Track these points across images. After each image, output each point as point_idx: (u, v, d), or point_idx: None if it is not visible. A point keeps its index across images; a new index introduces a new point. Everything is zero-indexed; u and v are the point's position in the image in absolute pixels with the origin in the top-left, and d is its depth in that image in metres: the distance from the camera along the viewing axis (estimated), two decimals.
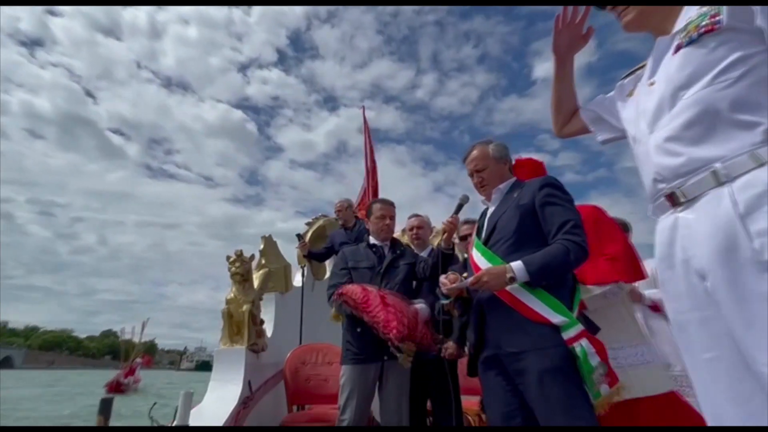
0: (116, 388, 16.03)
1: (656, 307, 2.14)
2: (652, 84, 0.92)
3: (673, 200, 0.85)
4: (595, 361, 1.21)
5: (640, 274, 1.69)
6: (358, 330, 1.89)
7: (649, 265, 1.74)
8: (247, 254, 2.46)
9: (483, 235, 1.52)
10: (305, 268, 3.14)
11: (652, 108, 0.90)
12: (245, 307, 2.17)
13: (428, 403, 2.23)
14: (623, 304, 1.72)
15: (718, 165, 0.77)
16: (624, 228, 2.17)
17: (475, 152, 1.57)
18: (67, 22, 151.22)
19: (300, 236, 3.17)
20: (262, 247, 2.84)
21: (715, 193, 0.77)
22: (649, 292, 2.12)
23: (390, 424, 1.87)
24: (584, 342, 1.24)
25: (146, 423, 1.63)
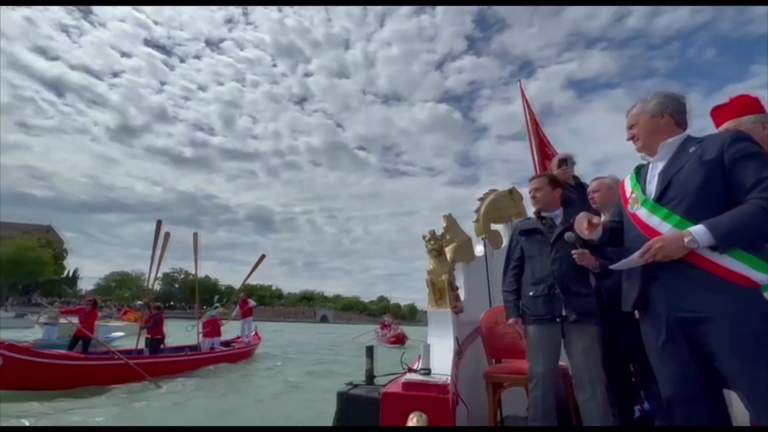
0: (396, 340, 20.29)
1: None
2: None
3: None
4: None
5: None
6: (530, 294, 2.12)
7: None
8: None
9: (653, 191, 1.44)
10: (486, 240, 3.43)
11: None
12: (444, 277, 2.58)
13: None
14: None
15: None
16: None
17: (633, 109, 1.57)
18: (315, 78, 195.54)
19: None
20: (445, 225, 3.25)
21: None
22: None
23: (582, 380, 1.98)
24: None
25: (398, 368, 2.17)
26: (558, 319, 2.02)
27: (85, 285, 64.76)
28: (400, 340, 20.23)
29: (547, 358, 2.03)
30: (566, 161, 3.08)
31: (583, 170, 3.24)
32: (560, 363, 2.12)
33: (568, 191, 2.88)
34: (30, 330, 16.54)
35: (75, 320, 9.19)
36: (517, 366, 2.58)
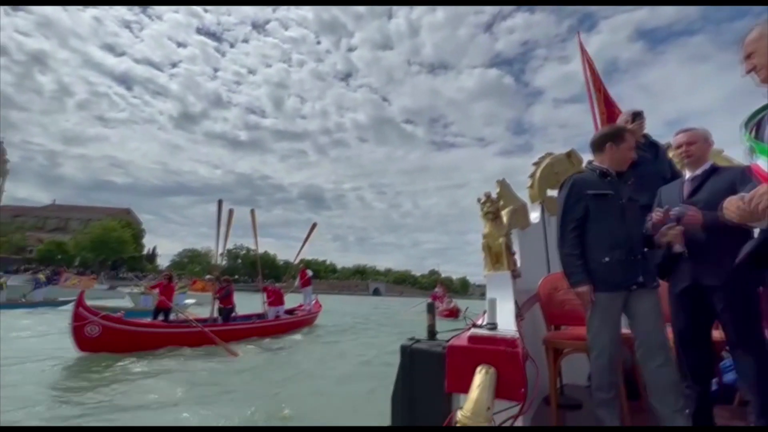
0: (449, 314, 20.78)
1: None
2: None
3: None
4: None
5: None
6: (604, 259, 1.97)
7: None
8: None
9: None
10: (543, 205, 3.31)
11: None
12: (501, 240, 2.52)
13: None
14: None
15: None
16: None
17: (751, 35, 1.33)
18: (359, 52, 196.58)
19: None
20: (498, 190, 3.16)
21: None
22: None
23: (652, 345, 1.89)
24: None
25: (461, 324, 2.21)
26: (635, 286, 1.93)
27: (162, 261, 72.32)
28: (453, 313, 20.37)
29: (615, 325, 1.96)
30: (640, 114, 2.85)
31: (653, 131, 2.90)
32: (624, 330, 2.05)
33: (641, 150, 2.67)
34: (122, 300, 18.93)
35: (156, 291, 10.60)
36: (578, 332, 2.53)
